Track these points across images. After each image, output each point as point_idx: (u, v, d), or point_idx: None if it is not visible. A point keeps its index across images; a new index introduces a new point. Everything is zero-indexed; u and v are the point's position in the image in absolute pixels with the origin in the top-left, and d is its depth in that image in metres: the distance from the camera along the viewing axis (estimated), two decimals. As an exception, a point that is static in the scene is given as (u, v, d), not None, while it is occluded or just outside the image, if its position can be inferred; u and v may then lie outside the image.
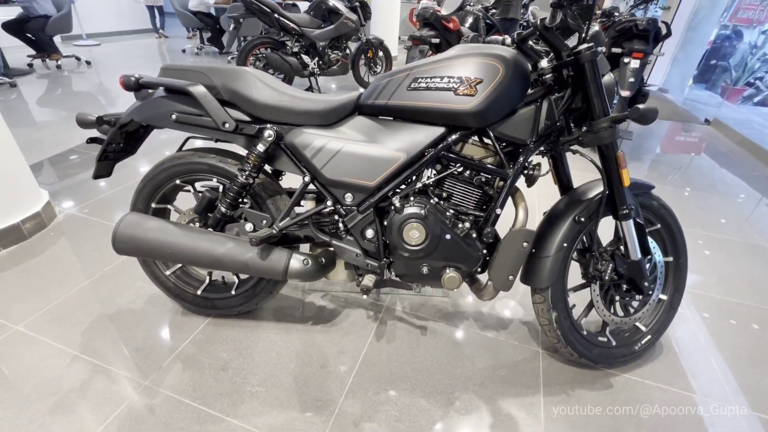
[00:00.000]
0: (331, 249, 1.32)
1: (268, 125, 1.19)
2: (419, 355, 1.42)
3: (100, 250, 1.84)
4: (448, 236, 1.20)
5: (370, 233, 1.23)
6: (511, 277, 1.21)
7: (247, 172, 1.21)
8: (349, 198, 1.21)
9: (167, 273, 1.46)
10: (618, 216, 1.21)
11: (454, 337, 1.50)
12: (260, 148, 1.18)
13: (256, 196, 1.30)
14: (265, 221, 1.24)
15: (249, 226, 1.24)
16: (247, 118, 1.21)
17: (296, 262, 1.22)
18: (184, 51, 6.85)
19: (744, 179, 3.19)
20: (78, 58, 5.48)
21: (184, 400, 1.22)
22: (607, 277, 1.27)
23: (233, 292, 1.45)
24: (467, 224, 1.22)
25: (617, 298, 1.35)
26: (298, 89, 1.24)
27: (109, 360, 1.33)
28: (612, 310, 1.37)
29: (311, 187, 1.23)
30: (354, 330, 1.51)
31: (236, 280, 1.47)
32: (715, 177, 3.18)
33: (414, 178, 1.20)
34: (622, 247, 1.27)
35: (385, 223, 1.22)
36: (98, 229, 2.00)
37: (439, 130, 1.13)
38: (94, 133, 1.33)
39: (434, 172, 1.20)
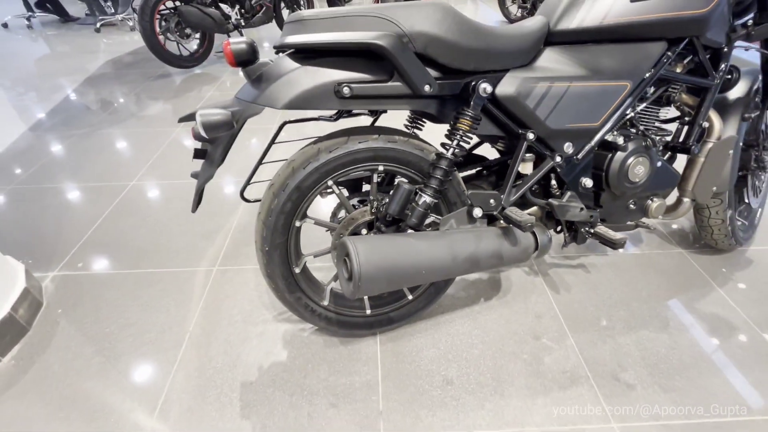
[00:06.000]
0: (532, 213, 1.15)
1: (475, 78, 0.90)
2: (606, 294, 1.39)
3: (156, 309, 1.34)
4: (659, 163, 1.13)
5: (588, 182, 1.08)
6: (714, 188, 1.21)
7: (455, 144, 0.93)
8: (569, 148, 1.03)
9: (325, 303, 1.13)
10: None
11: (611, 265, 1.50)
12: (473, 108, 0.90)
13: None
14: (493, 200, 0.99)
15: (477, 211, 0.97)
16: (438, 73, 0.90)
17: (543, 236, 1.02)
18: (5, 26, 5.00)
19: None
20: None
21: (445, 435, 1.01)
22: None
23: (410, 297, 1.20)
24: (660, 146, 1.16)
25: (756, 183, 1.47)
26: (484, 23, 0.95)
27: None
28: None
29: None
30: (523, 292, 1.40)
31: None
32: None
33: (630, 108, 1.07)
34: None
35: (598, 165, 1.08)
36: (119, 283, 1.44)
37: (661, 46, 1.00)
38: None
39: (643, 97, 1.09)
